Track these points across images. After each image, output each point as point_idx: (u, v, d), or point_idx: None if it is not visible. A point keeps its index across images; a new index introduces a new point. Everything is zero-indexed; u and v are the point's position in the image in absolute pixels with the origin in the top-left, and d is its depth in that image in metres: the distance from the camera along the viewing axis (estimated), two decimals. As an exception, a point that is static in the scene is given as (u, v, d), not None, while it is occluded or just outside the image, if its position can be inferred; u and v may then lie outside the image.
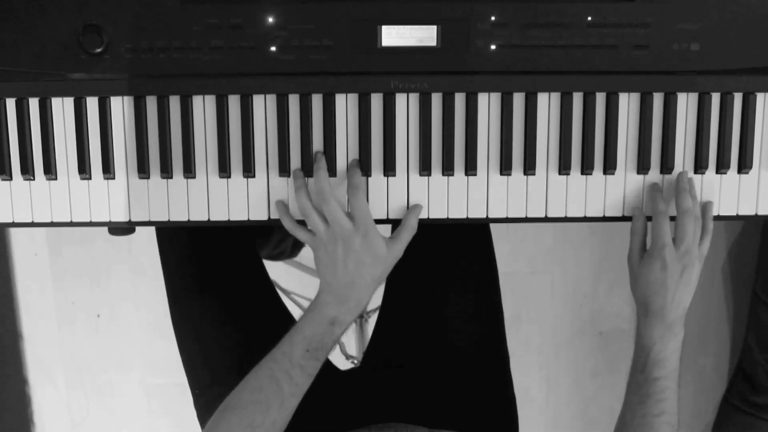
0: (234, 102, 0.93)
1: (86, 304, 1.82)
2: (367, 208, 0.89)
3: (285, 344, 0.89)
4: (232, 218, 0.95)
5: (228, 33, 0.91)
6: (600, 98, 0.94)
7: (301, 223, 0.92)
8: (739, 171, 0.96)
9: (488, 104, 0.94)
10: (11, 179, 0.95)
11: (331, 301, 0.89)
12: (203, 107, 0.93)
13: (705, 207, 0.95)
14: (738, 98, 0.95)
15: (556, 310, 1.84)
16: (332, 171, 0.94)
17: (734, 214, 0.98)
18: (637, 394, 0.92)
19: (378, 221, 0.96)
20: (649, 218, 0.95)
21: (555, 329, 1.85)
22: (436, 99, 0.93)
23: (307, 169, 0.94)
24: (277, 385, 0.86)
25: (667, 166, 0.95)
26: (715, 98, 0.95)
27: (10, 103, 0.93)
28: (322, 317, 0.89)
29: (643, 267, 0.93)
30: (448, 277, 1.12)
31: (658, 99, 0.94)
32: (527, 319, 1.83)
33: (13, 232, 1.78)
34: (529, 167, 0.95)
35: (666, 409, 0.90)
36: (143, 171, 0.94)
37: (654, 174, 0.96)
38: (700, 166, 0.95)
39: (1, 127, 0.94)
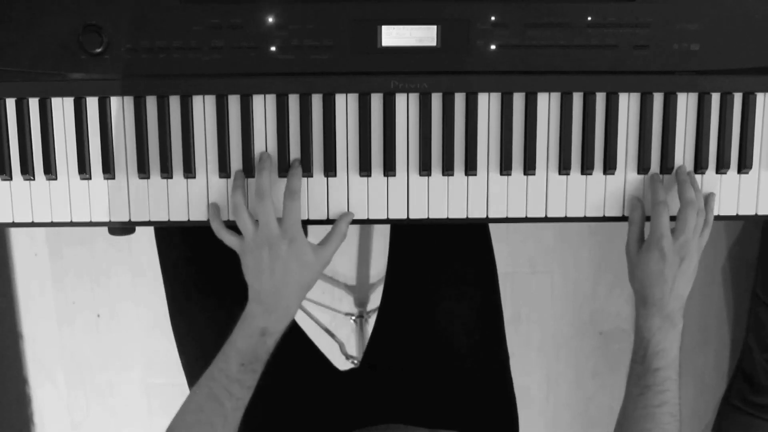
0: (234, 102, 0.93)
1: (86, 304, 1.82)
2: (298, 215, 0.89)
3: (220, 360, 0.88)
4: (232, 218, 0.95)
5: (228, 33, 0.91)
6: (600, 98, 0.94)
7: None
8: (739, 171, 0.96)
9: (488, 104, 0.94)
10: (11, 179, 0.95)
11: (259, 312, 0.88)
12: (203, 107, 0.93)
13: (708, 199, 0.95)
14: (738, 98, 0.95)
15: (556, 310, 1.84)
16: (332, 171, 0.94)
17: (734, 214, 0.98)
18: (638, 386, 0.91)
19: (378, 222, 0.96)
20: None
21: (555, 329, 1.85)
22: (436, 99, 0.93)
23: (308, 169, 0.94)
24: (218, 403, 0.85)
25: (667, 166, 0.95)
26: (715, 98, 0.95)
27: (10, 103, 0.93)
28: (252, 329, 0.88)
29: (641, 257, 0.93)
30: (447, 277, 1.12)
31: (658, 99, 0.94)
32: (527, 319, 1.83)
33: (13, 232, 1.78)
34: (529, 167, 0.95)
35: (667, 400, 0.90)
36: (143, 171, 0.94)
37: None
38: (700, 166, 0.95)
39: (1, 127, 0.94)
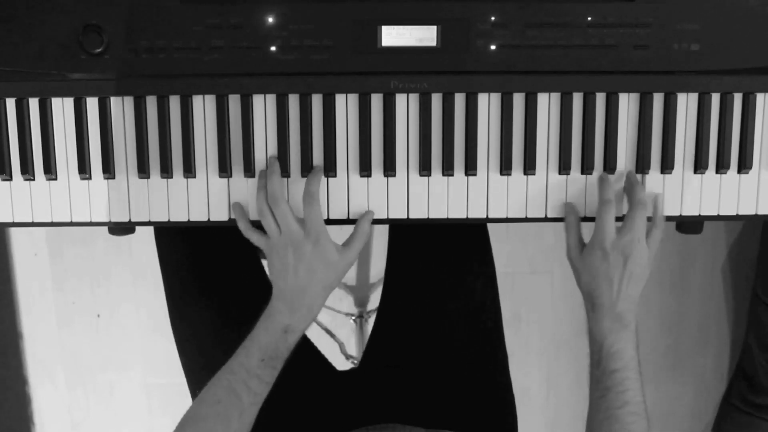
0: (234, 102, 0.93)
1: (86, 304, 1.82)
2: (320, 215, 0.89)
3: (241, 355, 0.88)
4: (232, 218, 0.95)
5: (228, 33, 0.91)
6: (600, 98, 0.94)
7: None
8: (739, 171, 0.96)
9: (488, 104, 0.94)
10: (11, 179, 0.95)
11: (283, 309, 0.89)
12: (203, 107, 0.94)
13: (656, 200, 0.95)
14: (738, 98, 0.95)
15: (556, 310, 1.84)
16: (332, 171, 0.94)
17: (734, 214, 0.98)
18: (598, 389, 0.90)
19: (378, 221, 0.96)
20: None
21: (555, 329, 1.85)
22: (436, 99, 0.93)
23: (307, 169, 0.94)
24: (236, 396, 0.86)
25: (667, 166, 0.95)
26: (715, 98, 0.95)
27: (10, 103, 0.93)
28: (275, 326, 0.88)
29: (585, 259, 0.92)
30: (446, 277, 1.12)
31: (658, 99, 0.94)
32: (527, 319, 1.83)
33: (13, 232, 1.78)
34: (529, 167, 0.95)
35: (628, 400, 0.88)
36: (143, 171, 0.94)
37: (654, 174, 0.96)
38: (700, 166, 0.95)
39: (1, 127, 0.94)
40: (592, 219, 0.96)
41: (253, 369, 0.87)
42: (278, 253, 0.89)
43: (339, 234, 0.93)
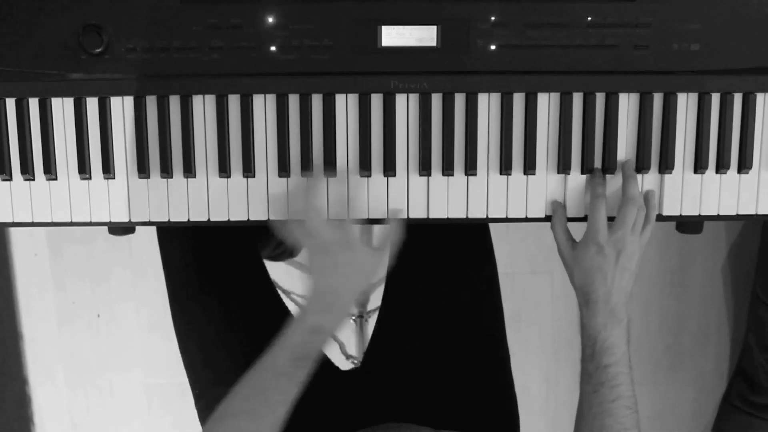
0: (234, 102, 0.93)
1: (86, 304, 1.82)
2: (355, 225, 0.90)
3: (271, 353, 0.88)
4: (232, 218, 0.95)
5: (228, 33, 0.91)
6: (600, 98, 0.94)
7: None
8: (739, 171, 0.96)
9: (488, 104, 0.94)
10: (11, 179, 0.95)
11: (317, 310, 0.89)
12: (203, 107, 0.94)
13: (648, 196, 0.95)
14: (738, 98, 0.95)
15: (556, 310, 1.84)
16: (332, 171, 0.94)
17: (734, 214, 0.98)
18: (590, 384, 0.91)
19: (378, 221, 0.96)
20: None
21: (555, 329, 1.85)
22: (436, 99, 0.93)
23: (307, 169, 0.94)
24: (265, 394, 0.86)
25: (666, 166, 0.95)
26: (715, 98, 0.95)
27: (10, 103, 0.93)
28: (307, 325, 0.88)
29: (578, 255, 0.93)
30: (447, 276, 1.12)
31: (657, 99, 0.94)
32: (527, 319, 1.83)
33: (13, 232, 1.78)
34: (529, 167, 0.95)
35: (621, 394, 0.89)
36: (143, 171, 0.94)
37: (653, 174, 0.96)
38: (700, 166, 0.95)
39: (1, 127, 0.94)
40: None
41: (282, 368, 0.87)
42: (320, 255, 0.89)
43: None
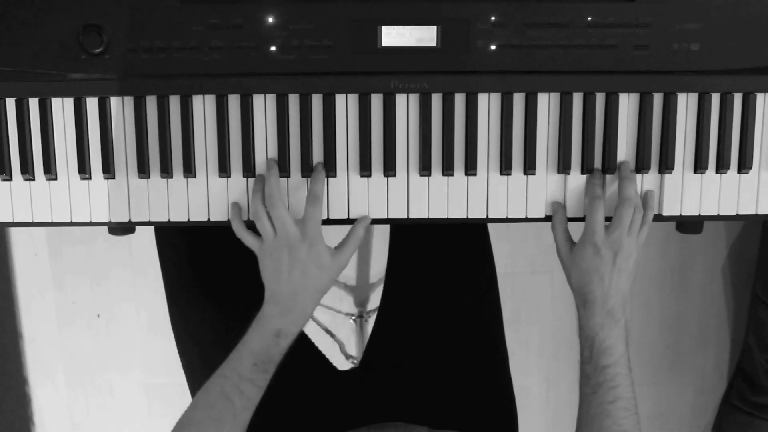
0: (234, 102, 0.93)
1: (86, 304, 1.82)
2: (319, 219, 0.89)
3: (233, 359, 0.88)
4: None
5: (228, 33, 0.91)
6: (600, 98, 0.94)
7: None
8: (739, 171, 0.96)
9: (488, 104, 0.94)
10: (11, 179, 0.95)
11: (275, 313, 0.89)
12: (203, 107, 0.94)
13: (646, 197, 0.95)
14: (738, 98, 0.95)
15: (556, 310, 1.84)
16: (332, 171, 0.94)
17: (734, 214, 0.98)
18: (589, 385, 0.91)
19: (378, 221, 0.96)
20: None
21: (555, 329, 1.85)
22: (436, 99, 0.93)
23: (307, 169, 0.94)
24: (229, 401, 0.86)
25: (666, 166, 0.95)
26: (715, 98, 0.95)
27: (10, 103, 0.93)
28: (267, 330, 0.88)
29: (576, 255, 0.93)
30: (447, 277, 1.12)
31: (657, 99, 0.94)
32: (527, 319, 1.83)
33: (13, 232, 1.78)
34: (529, 167, 0.95)
35: (620, 395, 0.89)
36: (143, 171, 0.94)
37: (653, 174, 0.96)
38: (700, 166, 0.95)
39: (1, 127, 0.94)
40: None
41: (245, 373, 0.87)
42: (272, 256, 0.89)
43: (334, 235, 0.93)
